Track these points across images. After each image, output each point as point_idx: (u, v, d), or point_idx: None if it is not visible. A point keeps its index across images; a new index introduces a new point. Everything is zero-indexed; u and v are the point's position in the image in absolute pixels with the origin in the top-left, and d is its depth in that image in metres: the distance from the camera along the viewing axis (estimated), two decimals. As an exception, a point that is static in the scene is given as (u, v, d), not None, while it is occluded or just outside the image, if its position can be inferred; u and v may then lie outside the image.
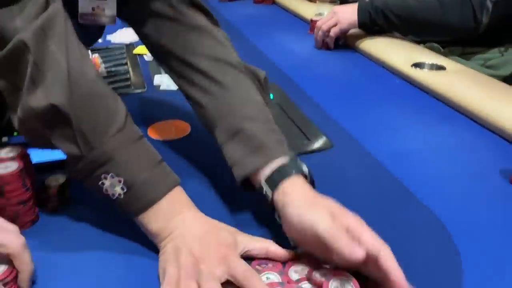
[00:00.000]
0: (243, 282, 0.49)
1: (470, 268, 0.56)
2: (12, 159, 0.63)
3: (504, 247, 0.59)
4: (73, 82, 0.55)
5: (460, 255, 0.58)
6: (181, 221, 0.56)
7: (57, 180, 0.67)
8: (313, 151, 0.83)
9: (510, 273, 0.55)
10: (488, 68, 1.27)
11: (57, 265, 0.57)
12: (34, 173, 0.66)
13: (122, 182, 0.55)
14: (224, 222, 0.59)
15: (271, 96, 1.05)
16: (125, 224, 0.60)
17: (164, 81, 1.13)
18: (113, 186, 0.56)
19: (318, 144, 0.85)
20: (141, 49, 1.35)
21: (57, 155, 0.74)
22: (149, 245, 0.58)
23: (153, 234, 0.56)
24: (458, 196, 0.70)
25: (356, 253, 0.46)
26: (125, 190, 0.56)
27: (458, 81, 1.03)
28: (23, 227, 0.61)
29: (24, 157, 0.64)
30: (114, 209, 0.58)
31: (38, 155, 0.72)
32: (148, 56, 1.30)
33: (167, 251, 0.54)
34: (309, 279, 0.52)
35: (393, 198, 0.70)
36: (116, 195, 0.56)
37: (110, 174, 0.55)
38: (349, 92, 1.11)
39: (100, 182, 0.56)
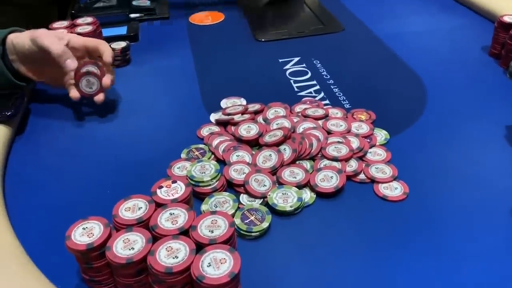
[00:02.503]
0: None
1: (433, 101, 0.73)
2: (87, 24, 0.83)
3: (464, 94, 0.75)
4: None
5: (427, 96, 0.75)
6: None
7: (119, 44, 0.87)
8: (327, 33, 0.98)
9: (465, 111, 0.71)
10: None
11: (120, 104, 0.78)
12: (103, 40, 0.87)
13: None
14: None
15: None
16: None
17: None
18: None
19: (331, 27, 1.00)
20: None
21: (120, 31, 0.96)
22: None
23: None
24: (441, 61, 0.86)
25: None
26: None
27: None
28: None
29: (96, 24, 0.84)
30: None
31: (108, 31, 0.93)
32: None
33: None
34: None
35: (387, 66, 0.85)
36: None
37: None
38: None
39: None
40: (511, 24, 0.81)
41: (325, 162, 0.60)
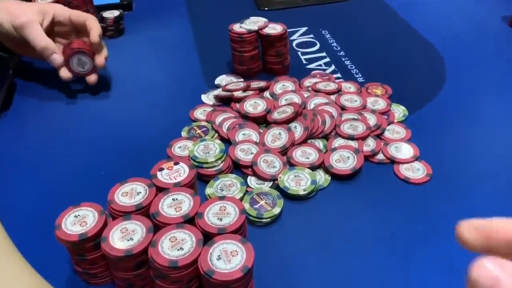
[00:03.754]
0: None
1: (452, 74, 0.68)
2: (77, -9, 0.76)
3: (484, 67, 0.70)
4: None
5: (446, 69, 0.69)
6: None
7: (112, 13, 0.80)
8: (334, 2, 0.92)
9: (486, 85, 0.66)
10: None
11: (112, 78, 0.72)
12: (94, 8, 0.80)
13: None
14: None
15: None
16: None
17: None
18: None
19: (339, -4, 0.94)
20: None
21: (111, -1, 0.88)
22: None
23: None
24: (457, 31, 0.80)
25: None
26: None
27: None
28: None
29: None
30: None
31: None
32: None
33: None
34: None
35: (401, 37, 0.79)
36: None
37: None
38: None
39: None
40: (535, -8, 0.75)
41: (340, 141, 0.55)
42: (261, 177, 0.51)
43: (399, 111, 0.60)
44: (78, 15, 0.65)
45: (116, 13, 0.80)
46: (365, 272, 0.42)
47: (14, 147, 0.58)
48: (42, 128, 0.61)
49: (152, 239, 0.36)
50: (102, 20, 0.79)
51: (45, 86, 0.69)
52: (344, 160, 0.52)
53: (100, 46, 0.65)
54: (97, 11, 0.82)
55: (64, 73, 0.65)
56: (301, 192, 0.48)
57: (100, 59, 0.65)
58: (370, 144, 0.54)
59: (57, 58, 0.63)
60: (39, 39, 0.61)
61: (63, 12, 0.65)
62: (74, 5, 0.75)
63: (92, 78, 0.65)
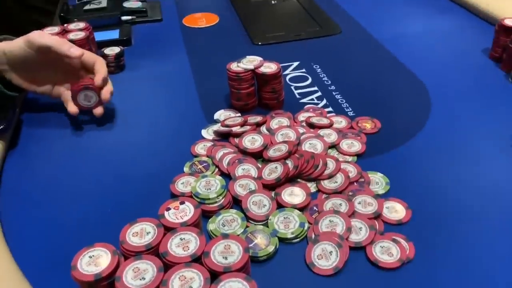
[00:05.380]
0: None
1: (437, 107, 0.72)
2: (79, 30, 0.80)
3: (467, 100, 0.74)
4: None
5: (431, 102, 0.74)
6: None
7: (113, 50, 0.84)
8: (324, 36, 0.97)
9: (469, 117, 0.71)
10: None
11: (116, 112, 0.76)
12: (96, 45, 0.84)
13: None
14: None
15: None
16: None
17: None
18: None
19: (328, 30, 0.98)
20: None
21: (112, 35, 0.93)
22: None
23: None
24: (442, 65, 0.85)
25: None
26: None
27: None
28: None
29: (88, 30, 0.81)
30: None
31: (99, 35, 0.89)
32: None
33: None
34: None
35: (389, 71, 0.84)
36: None
37: None
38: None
39: None
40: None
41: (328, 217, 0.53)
42: (255, 220, 0.53)
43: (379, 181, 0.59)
44: (90, 56, 0.70)
45: (116, 49, 0.84)
46: (360, 303, 0.45)
47: (24, 182, 0.61)
48: (48, 162, 0.64)
49: (163, 278, 0.39)
50: (103, 56, 0.83)
51: (48, 120, 0.73)
52: (326, 257, 0.49)
53: (105, 81, 0.69)
54: (99, 47, 0.86)
55: (71, 108, 0.69)
56: (289, 236, 0.51)
57: (105, 94, 0.69)
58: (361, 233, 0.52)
59: (76, 50, 0.67)
60: (54, 39, 0.66)
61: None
62: (78, 45, 0.78)
63: (99, 111, 0.70)
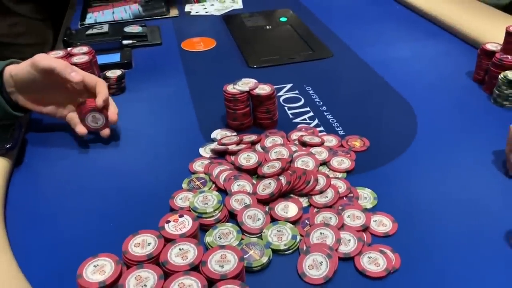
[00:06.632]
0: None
1: (422, 126, 0.76)
2: (83, 53, 0.84)
3: (452, 120, 0.78)
4: None
5: (417, 122, 0.78)
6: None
7: (115, 73, 0.88)
8: (316, 59, 1.01)
9: (453, 137, 0.74)
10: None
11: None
12: (99, 68, 0.88)
13: None
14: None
15: (285, 19, 1.23)
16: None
17: (193, 8, 1.32)
18: None
19: (320, 53, 1.03)
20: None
21: (113, 58, 0.97)
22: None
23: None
24: (428, 87, 0.89)
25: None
26: None
27: (447, 4, 1.19)
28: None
29: (91, 53, 0.85)
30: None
31: (101, 58, 0.94)
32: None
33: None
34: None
35: (377, 92, 0.88)
36: None
37: None
38: (351, 12, 1.29)
39: None
40: (493, 52, 0.85)
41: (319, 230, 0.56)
42: (250, 233, 0.56)
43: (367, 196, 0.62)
44: (91, 78, 0.73)
45: (118, 72, 0.88)
46: (348, 310, 0.47)
47: (29, 199, 0.64)
48: (53, 180, 0.67)
49: (163, 286, 0.42)
50: (105, 79, 0.87)
51: (52, 140, 0.76)
52: (317, 267, 0.51)
53: (108, 103, 0.73)
54: (101, 70, 0.90)
55: (80, 129, 0.73)
56: (282, 247, 0.54)
57: (112, 115, 0.73)
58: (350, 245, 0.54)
59: (76, 75, 0.70)
60: (57, 62, 0.69)
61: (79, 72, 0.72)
62: (81, 68, 0.82)
63: (106, 132, 0.74)
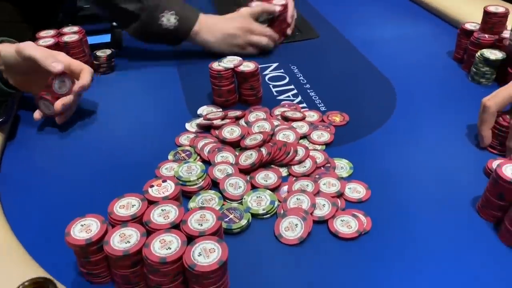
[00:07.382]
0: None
1: (401, 103, 0.79)
2: (73, 33, 0.87)
3: (430, 96, 0.81)
4: None
5: (397, 98, 0.81)
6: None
7: (105, 52, 0.90)
8: (302, 40, 1.04)
9: (431, 111, 0.77)
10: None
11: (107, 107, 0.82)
12: (89, 48, 0.90)
13: (174, 13, 0.87)
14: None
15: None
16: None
17: None
18: (168, 19, 0.87)
19: (307, 34, 1.06)
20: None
21: (104, 39, 0.99)
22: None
23: (199, 41, 0.92)
24: (409, 66, 0.92)
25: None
26: (178, 18, 0.88)
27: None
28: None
29: (82, 33, 0.87)
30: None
31: (93, 39, 0.96)
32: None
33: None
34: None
35: (360, 71, 0.91)
36: (173, 25, 0.88)
37: (165, 11, 0.86)
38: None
39: (159, 21, 0.86)
40: (472, 31, 0.87)
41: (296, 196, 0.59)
42: (231, 200, 0.59)
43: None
44: (77, 64, 0.75)
45: (108, 51, 0.90)
46: (322, 270, 0.51)
47: (22, 171, 0.67)
48: (44, 154, 0.70)
49: (145, 242, 0.45)
50: (96, 58, 0.89)
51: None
52: (292, 228, 0.55)
53: (81, 89, 0.74)
54: (91, 49, 0.92)
55: (36, 114, 0.75)
56: (261, 212, 0.57)
57: (57, 104, 0.72)
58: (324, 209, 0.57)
59: (58, 65, 0.71)
60: (39, 51, 0.71)
61: (64, 58, 0.74)
62: (71, 46, 0.85)
63: (61, 120, 0.75)
